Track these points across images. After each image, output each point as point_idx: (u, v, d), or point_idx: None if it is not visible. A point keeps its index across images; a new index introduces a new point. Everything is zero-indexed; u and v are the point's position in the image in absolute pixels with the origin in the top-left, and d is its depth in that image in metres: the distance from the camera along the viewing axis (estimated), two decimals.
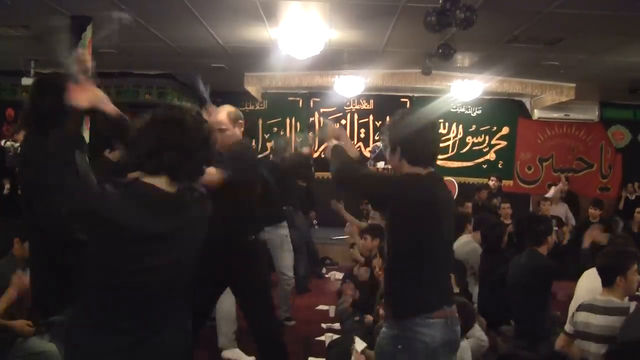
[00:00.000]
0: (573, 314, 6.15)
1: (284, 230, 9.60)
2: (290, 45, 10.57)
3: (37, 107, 4.75)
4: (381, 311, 6.53)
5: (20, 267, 6.84)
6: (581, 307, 6.07)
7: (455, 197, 16.61)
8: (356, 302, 9.03)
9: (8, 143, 11.07)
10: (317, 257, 13.90)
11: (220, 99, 18.09)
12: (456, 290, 6.46)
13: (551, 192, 15.56)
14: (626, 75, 14.10)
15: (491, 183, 16.25)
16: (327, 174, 14.88)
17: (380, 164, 15.22)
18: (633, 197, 17.43)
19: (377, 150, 15.82)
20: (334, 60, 13.46)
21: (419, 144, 4.41)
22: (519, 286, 7.77)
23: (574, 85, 15.59)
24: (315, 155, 17.97)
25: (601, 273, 6.05)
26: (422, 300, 4.25)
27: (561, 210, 15.27)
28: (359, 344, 6.66)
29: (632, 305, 5.81)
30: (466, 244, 9.68)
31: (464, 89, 15.57)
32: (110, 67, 14.75)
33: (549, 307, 7.69)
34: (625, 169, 18.70)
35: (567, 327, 6.20)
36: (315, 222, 15.05)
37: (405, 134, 4.45)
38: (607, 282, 5.98)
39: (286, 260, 9.60)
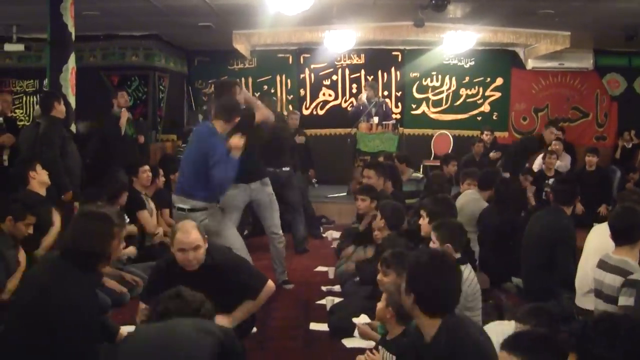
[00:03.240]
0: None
1: (270, 189, 9.38)
2: (279, 1, 10.28)
3: None
4: (380, 276, 6.32)
5: (10, 245, 6.92)
6: (598, 264, 5.91)
7: (449, 150, 16.49)
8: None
9: None
10: (314, 218, 13.67)
11: (208, 58, 18.08)
12: (457, 255, 6.25)
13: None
14: (622, 21, 13.79)
15: (485, 137, 16.02)
16: (324, 131, 14.90)
17: (375, 119, 14.98)
18: (630, 146, 17.34)
19: (361, 107, 15.46)
20: (323, 15, 13.15)
21: (437, 295, 4.27)
22: (540, 243, 7.64)
23: (569, 33, 15.28)
24: (307, 112, 17.91)
25: (619, 233, 5.86)
26: None
27: (564, 162, 15.08)
28: (362, 319, 6.51)
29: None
30: (476, 201, 9.51)
31: (457, 40, 15.33)
32: (95, 29, 14.47)
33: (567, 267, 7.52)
34: (621, 117, 18.53)
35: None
36: (314, 180, 14.86)
37: (422, 281, 4.32)
38: (626, 241, 5.79)
39: (276, 218, 9.41)
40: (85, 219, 4.97)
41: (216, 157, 7.71)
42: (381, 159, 13.13)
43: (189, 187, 7.88)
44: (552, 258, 7.55)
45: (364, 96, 15.55)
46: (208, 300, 4.29)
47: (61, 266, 4.73)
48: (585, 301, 6.72)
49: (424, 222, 7.36)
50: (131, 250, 9.27)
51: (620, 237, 5.84)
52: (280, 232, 9.48)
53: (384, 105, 15.67)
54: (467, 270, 6.07)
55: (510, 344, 3.53)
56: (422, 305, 4.26)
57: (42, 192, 8.43)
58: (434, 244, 6.39)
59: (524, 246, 7.93)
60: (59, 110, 9.66)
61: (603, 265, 5.83)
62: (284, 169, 11.19)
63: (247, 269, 6.60)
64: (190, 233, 5.97)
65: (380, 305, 5.56)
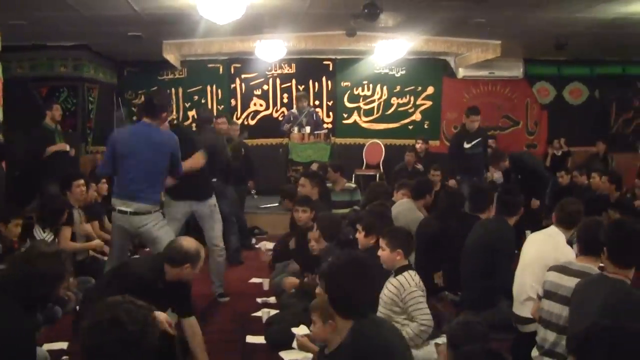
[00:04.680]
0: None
1: (212, 200, 9.28)
2: (210, 10, 10.16)
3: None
4: (318, 290, 6.22)
5: None
6: (552, 268, 6.01)
7: (381, 160, 16.55)
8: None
9: None
10: (246, 229, 13.56)
11: (138, 68, 17.89)
12: (405, 262, 6.27)
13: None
14: (552, 31, 13.90)
15: (417, 146, 16.05)
16: (256, 141, 14.74)
17: (307, 129, 14.98)
18: (559, 153, 17.68)
19: (291, 117, 15.54)
20: (255, 24, 13.08)
21: (349, 297, 4.32)
22: (481, 251, 7.66)
23: (499, 42, 15.40)
24: (241, 121, 17.83)
25: (587, 244, 5.90)
26: None
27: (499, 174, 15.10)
28: (301, 330, 6.42)
29: None
30: (410, 210, 9.52)
31: (388, 49, 15.35)
32: (23, 39, 14.18)
33: (506, 276, 7.53)
34: (551, 125, 18.83)
35: (540, 291, 6.08)
36: (254, 191, 14.77)
37: (335, 283, 4.39)
38: (591, 252, 5.83)
39: (217, 230, 9.30)
40: (38, 259, 4.65)
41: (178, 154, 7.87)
42: (315, 167, 13.09)
43: (136, 189, 7.67)
44: (492, 266, 7.57)
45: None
46: (151, 316, 3.74)
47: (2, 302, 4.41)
48: (523, 309, 6.78)
49: (360, 235, 7.32)
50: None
51: (587, 247, 5.89)
52: (222, 244, 9.37)
53: (314, 115, 15.69)
54: (416, 277, 6.10)
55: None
56: (334, 306, 4.32)
57: None
58: (384, 251, 6.42)
59: (464, 254, 7.94)
60: None
61: (563, 270, 5.85)
62: (214, 180, 11.10)
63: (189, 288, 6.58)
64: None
65: (316, 327, 5.45)
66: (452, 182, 13.20)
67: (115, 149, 7.77)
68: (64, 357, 6.58)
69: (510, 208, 7.98)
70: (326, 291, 4.39)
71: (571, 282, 5.64)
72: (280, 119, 17.45)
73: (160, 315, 5.64)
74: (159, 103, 8.04)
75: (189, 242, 6.32)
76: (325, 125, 16.59)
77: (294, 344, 6.54)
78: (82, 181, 10.20)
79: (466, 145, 13.19)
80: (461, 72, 18.37)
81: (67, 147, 12.07)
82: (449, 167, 13.62)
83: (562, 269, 5.87)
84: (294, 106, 16.27)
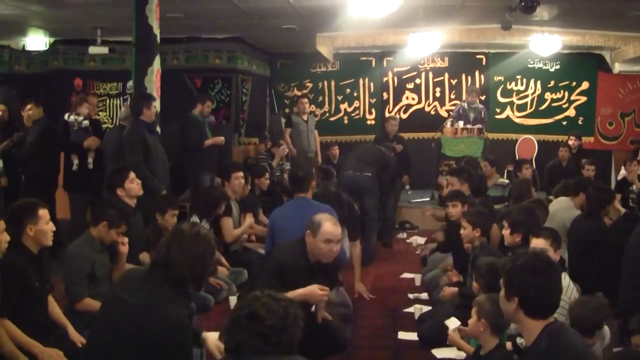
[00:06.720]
0: None
1: None
2: (364, 3, 10.13)
3: None
4: (475, 284, 6.15)
5: (98, 250, 6.93)
6: None
7: (534, 155, 16.24)
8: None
9: (72, 117, 10.84)
10: (391, 224, 13.44)
11: (289, 60, 18.07)
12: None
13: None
14: None
15: (571, 142, 15.68)
16: (407, 135, 14.63)
17: (460, 124, 14.83)
18: None
19: (461, 111, 15.35)
20: (409, 17, 12.98)
21: (541, 295, 4.08)
22: None
23: None
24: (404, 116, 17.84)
25: None
26: None
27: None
28: (452, 322, 6.29)
29: None
30: (567, 209, 9.29)
31: (543, 43, 15.06)
32: (179, 32, 14.49)
33: None
34: None
35: None
36: (407, 187, 14.73)
37: (524, 283, 4.11)
38: None
39: None
40: (191, 240, 4.56)
41: None
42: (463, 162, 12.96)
43: None
44: None
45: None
46: (292, 307, 3.78)
47: (159, 287, 4.40)
48: None
49: (506, 232, 7.16)
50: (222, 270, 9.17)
51: None
52: None
53: (482, 112, 15.48)
54: (566, 279, 5.90)
55: None
56: (526, 307, 4.10)
57: (132, 203, 8.28)
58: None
59: (625, 254, 7.66)
60: (147, 115, 9.76)
61: None
62: (365, 173, 11.07)
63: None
64: (338, 225, 6.06)
65: (471, 321, 5.40)
66: None
67: (274, 227, 7.90)
68: None
69: None
70: (513, 294, 4.20)
71: None
72: (432, 113, 17.46)
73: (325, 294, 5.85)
74: (304, 175, 8.16)
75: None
76: None
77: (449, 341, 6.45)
78: (241, 173, 10.31)
79: None
80: (617, 67, 17.89)
81: (223, 141, 12.30)
82: None
83: None
84: (447, 100, 16.15)
